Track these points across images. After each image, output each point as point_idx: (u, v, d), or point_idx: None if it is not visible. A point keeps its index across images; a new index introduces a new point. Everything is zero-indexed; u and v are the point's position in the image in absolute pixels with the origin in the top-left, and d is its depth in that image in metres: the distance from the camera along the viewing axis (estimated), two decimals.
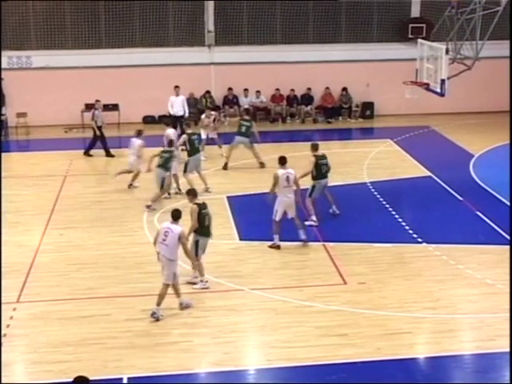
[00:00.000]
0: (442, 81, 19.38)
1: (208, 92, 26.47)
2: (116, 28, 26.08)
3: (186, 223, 13.17)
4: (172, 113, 23.54)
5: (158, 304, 12.30)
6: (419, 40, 21.62)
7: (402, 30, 27.03)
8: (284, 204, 14.98)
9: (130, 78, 26.11)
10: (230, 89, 26.87)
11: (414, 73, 21.04)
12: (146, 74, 26.24)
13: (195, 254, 13.27)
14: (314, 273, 14.18)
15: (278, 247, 15.16)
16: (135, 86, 26.05)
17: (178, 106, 23.56)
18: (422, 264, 14.58)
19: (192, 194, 13.63)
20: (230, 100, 26.88)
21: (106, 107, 25.24)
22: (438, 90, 19.70)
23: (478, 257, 14.88)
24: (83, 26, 25.99)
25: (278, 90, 27.07)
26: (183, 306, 12.64)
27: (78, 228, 16.51)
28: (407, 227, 16.32)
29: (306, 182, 16.32)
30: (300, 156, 21.48)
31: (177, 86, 23.74)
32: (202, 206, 13.34)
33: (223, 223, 16.61)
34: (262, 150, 22.43)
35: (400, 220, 16.73)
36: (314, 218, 16.19)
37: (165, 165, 17.51)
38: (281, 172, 14.97)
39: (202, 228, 13.29)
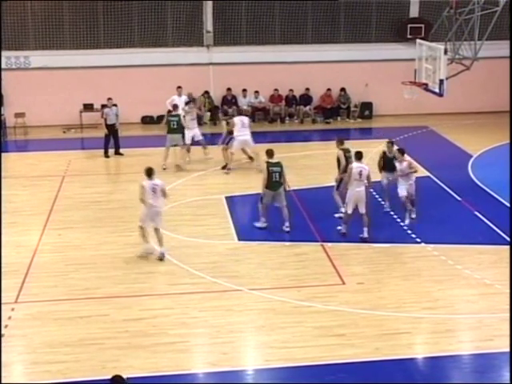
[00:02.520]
0: (441, 81, 19.36)
1: (207, 92, 26.47)
2: (114, 28, 26.07)
3: None
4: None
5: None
6: (418, 40, 21.60)
7: (401, 30, 27.03)
8: (354, 197, 15.40)
9: (128, 78, 26.10)
10: (228, 89, 26.86)
11: (412, 73, 21.04)
12: (145, 74, 26.24)
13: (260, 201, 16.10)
14: (313, 273, 14.17)
15: (344, 234, 15.62)
16: (134, 87, 26.04)
17: (179, 107, 23.53)
18: (421, 264, 14.57)
19: (267, 153, 16.18)
20: (229, 100, 26.87)
21: (104, 107, 25.20)
22: (437, 90, 19.68)
23: (476, 257, 14.87)
24: (81, 26, 25.97)
25: (276, 90, 27.06)
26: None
27: (76, 228, 16.51)
28: (405, 227, 16.32)
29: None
30: (299, 156, 21.53)
31: (179, 87, 23.73)
32: (270, 164, 15.92)
33: (221, 223, 16.64)
34: (261, 151, 22.43)
35: (398, 220, 16.71)
36: (342, 210, 16.41)
37: None
38: (355, 165, 15.49)
39: (269, 182, 15.84)
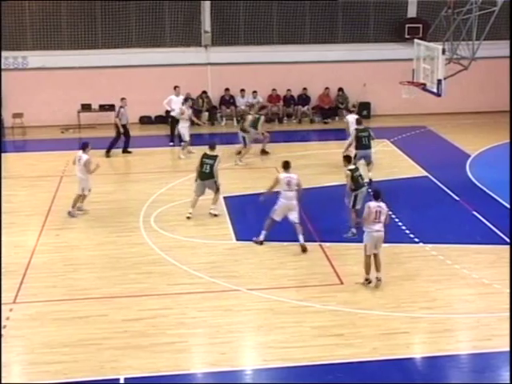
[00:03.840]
0: (439, 81, 19.40)
1: (204, 92, 26.48)
2: (112, 28, 26.07)
3: None
4: (172, 114, 23.62)
5: None
6: (416, 40, 21.63)
7: (399, 30, 27.07)
8: (283, 205, 15.14)
9: (126, 79, 26.10)
10: (226, 89, 26.87)
11: (410, 73, 21.07)
12: (143, 75, 26.24)
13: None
14: (311, 273, 14.19)
15: (261, 243, 15.33)
16: (132, 87, 26.01)
17: (177, 107, 23.56)
18: (419, 264, 14.59)
19: (209, 146, 17.33)
20: (227, 100, 26.88)
21: (102, 108, 25.28)
22: (435, 90, 19.72)
23: (474, 256, 14.90)
24: (79, 27, 25.99)
25: (274, 90, 27.08)
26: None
27: (75, 228, 16.52)
28: (404, 227, 16.33)
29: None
30: (297, 156, 21.54)
31: (177, 86, 23.74)
32: (205, 156, 16.92)
33: (220, 223, 16.65)
34: (259, 150, 22.50)
35: (397, 220, 16.70)
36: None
37: None
38: (283, 175, 15.26)
39: (199, 172, 16.92)
